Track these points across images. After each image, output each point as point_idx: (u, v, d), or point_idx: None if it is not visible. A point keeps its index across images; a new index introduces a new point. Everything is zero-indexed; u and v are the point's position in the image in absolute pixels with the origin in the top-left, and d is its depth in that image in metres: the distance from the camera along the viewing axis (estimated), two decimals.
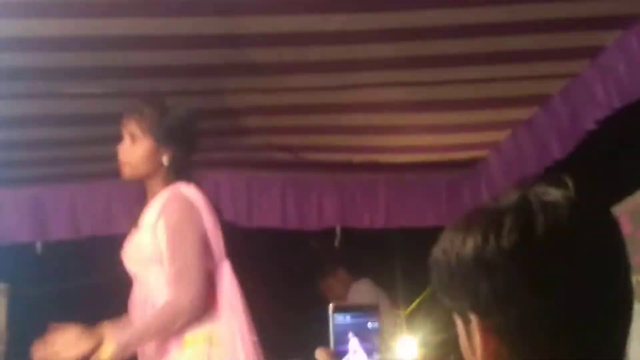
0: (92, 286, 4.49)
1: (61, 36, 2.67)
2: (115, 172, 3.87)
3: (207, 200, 2.44)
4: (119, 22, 2.61)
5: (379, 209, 4.22)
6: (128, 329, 2.31)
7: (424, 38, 2.82)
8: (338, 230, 4.17)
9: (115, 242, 4.27)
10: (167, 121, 2.45)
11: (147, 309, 2.38)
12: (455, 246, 0.92)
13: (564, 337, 0.87)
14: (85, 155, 3.79)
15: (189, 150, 2.50)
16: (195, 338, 2.31)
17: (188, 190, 2.41)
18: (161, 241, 2.35)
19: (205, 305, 2.31)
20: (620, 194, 3.17)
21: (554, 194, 0.90)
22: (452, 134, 3.75)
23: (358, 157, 4.03)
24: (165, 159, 2.44)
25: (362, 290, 4.35)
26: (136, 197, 4.11)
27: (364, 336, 1.13)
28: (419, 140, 3.83)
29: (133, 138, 2.47)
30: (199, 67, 2.98)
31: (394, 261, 4.86)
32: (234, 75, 3.07)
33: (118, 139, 3.74)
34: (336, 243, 4.16)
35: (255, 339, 2.34)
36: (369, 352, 1.12)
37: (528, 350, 0.88)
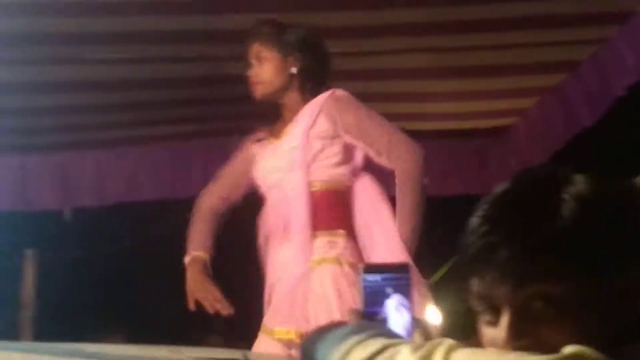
0: (120, 252, 4.52)
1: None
2: (140, 139, 3.90)
3: None
4: None
5: None
6: None
7: (450, 3, 2.77)
8: None
9: (141, 209, 4.26)
10: (287, 34, 2.47)
11: None
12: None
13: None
14: (112, 122, 3.80)
15: (317, 60, 2.49)
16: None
17: None
18: None
19: None
20: None
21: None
22: (479, 101, 3.70)
23: None
24: (294, 68, 2.45)
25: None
26: (162, 164, 4.14)
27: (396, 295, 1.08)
28: (444, 107, 3.79)
29: (259, 58, 2.46)
30: (215, 32, 2.97)
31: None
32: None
33: (145, 105, 3.73)
34: None
35: None
36: (402, 311, 1.08)
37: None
